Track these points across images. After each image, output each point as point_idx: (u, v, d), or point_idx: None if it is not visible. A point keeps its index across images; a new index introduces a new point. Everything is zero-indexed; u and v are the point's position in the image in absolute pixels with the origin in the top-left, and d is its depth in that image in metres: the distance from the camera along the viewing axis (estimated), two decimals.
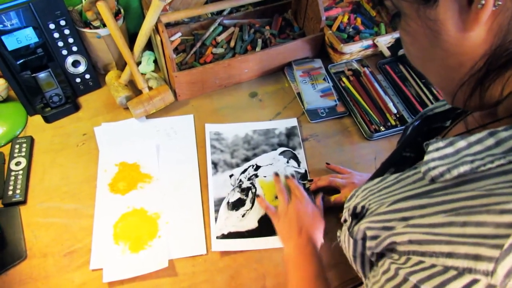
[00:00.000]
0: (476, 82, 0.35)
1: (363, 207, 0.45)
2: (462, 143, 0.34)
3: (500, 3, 0.29)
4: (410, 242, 0.34)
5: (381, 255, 0.40)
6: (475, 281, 0.28)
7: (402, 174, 0.44)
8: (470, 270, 0.28)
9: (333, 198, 0.76)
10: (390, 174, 0.48)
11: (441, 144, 0.36)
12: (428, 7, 0.33)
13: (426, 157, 0.36)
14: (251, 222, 0.75)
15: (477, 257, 0.28)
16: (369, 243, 0.41)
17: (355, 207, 0.47)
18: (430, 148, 0.36)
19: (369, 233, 0.41)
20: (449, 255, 0.30)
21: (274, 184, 0.80)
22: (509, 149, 0.31)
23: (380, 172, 0.55)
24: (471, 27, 0.31)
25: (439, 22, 0.33)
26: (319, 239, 0.68)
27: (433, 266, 0.31)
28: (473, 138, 0.34)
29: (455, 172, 0.33)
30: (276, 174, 0.81)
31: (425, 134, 0.54)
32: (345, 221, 0.49)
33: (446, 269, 0.30)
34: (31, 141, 0.84)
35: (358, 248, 0.44)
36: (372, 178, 0.51)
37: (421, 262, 0.32)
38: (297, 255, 0.64)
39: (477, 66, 0.34)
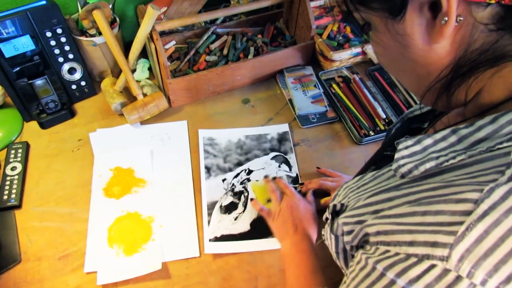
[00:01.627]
0: (442, 87, 0.38)
1: (342, 204, 0.47)
2: (428, 141, 0.37)
3: (461, 18, 0.32)
4: (378, 233, 0.36)
5: (357, 248, 0.42)
6: (432, 266, 0.29)
7: (378, 171, 0.47)
8: (428, 257, 0.30)
9: (323, 200, 0.78)
10: (370, 172, 0.50)
11: (409, 142, 0.38)
12: (395, 21, 0.35)
13: (397, 155, 0.38)
14: (243, 225, 0.77)
15: (434, 244, 0.30)
16: (346, 238, 0.43)
17: (335, 205, 0.49)
18: (400, 146, 0.38)
19: (346, 228, 0.43)
20: (411, 243, 0.31)
21: (266, 187, 0.81)
22: (470, 145, 0.34)
23: (362, 171, 0.57)
24: (436, 40, 0.34)
25: (406, 35, 0.36)
26: (314, 233, 0.70)
27: (396, 254, 0.33)
28: (438, 135, 0.36)
29: (422, 168, 0.35)
30: (266, 177, 0.83)
31: (404, 134, 0.56)
32: (327, 219, 0.51)
33: (408, 256, 0.31)
34: (26, 146, 0.85)
35: (339, 244, 0.46)
36: (355, 177, 0.53)
37: (387, 251, 0.34)
38: (294, 252, 0.66)
39: (443, 74, 0.37)
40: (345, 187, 0.51)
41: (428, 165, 0.35)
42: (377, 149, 0.59)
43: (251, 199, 0.79)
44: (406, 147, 0.38)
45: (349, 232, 0.42)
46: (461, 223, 0.29)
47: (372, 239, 0.37)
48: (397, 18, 0.35)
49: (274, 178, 0.82)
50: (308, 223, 0.71)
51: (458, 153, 0.34)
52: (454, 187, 0.31)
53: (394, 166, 0.38)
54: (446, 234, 0.29)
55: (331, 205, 0.50)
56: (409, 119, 0.57)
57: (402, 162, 0.37)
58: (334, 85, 1.02)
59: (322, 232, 0.53)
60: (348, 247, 0.44)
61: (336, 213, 0.49)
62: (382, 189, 0.41)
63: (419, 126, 0.56)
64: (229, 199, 0.80)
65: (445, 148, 0.35)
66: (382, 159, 0.55)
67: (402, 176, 0.37)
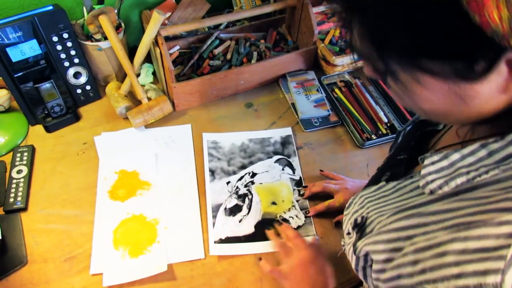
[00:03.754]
0: (488, 118, 0.35)
1: (362, 217, 0.46)
2: (455, 156, 0.36)
3: None
4: (423, 271, 0.34)
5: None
6: None
7: (400, 183, 0.45)
8: (480, 286, 0.29)
9: (327, 203, 0.79)
10: (386, 179, 0.48)
11: (435, 157, 0.37)
12: (460, 81, 0.31)
13: (423, 171, 0.37)
14: (248, 227, 0.77)
15: (485, 272, 0.28)
16: (375, 266, 0.41)
17: (356, 219, 0.47)
18: (426, 162, 0.38)
19: (378, 257, 0.40)
20: (459, 276, 0.30)
21: (270, 190, 0.82)
22: (501, 159, 0.33)
23: (376, 178, 0.56)
24: (510, 91, 0.31)
25: (473, 90, 0.32)
26: (331, 284, 0.65)
27: None
28: (466, 150, 0.35)
29: (452, 184, 0.35)
30: (268, 229, 0.76)
31: (417, 138, 0.56)
32: (349, 233, 0.49)
33: None
34: (32, 150, 0.86)
35: (360, 263, 0.45)
36: (369, 185, 0.52)
37: None
38: None
39: (495, 108, 0.34)
40: (361, 196, 0.50)
41: (459, 181, 0.34)
42: (380, 154, 0.58)
43: (260, 258, 0.72)
44: (433, 163, 0.37)
45: (387, 261, 0.39)
46: (508, 246, 0.28)
47: (413, 279, 0.35)
48: (469, 79, 0.31)
49: (278, 224, 0.77)
50: (325, 279, 0.64)
51: (490, 168, 0.33)
52: (492, 207, 0.30)
53: (422, 182, 0.37)
54: (495, 260, 0.28)
55: (351, 216, 0.48)
56: (421, 121, 0.56)
57: (430, 178, 0.37)
58: (336, 90, 1.03)
59: (342, 243, 0.52)
60: (374, 276, 0.42)
61: (356, 226, 0.47)
62: (408, 205, 0.40)
63: (433, 129, 0.55)
64: (234, 201, 0.81)
65: (474, 162, 0.35)
66: (396, 165, 0.54)
67: (431, 193, 0.37)
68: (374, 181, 0.55)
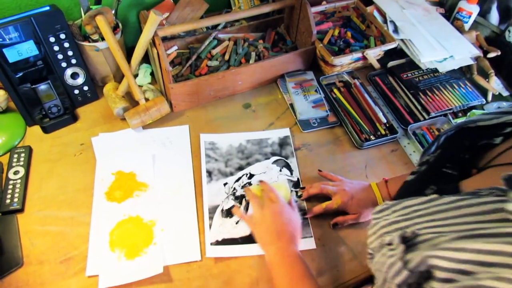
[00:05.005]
0: None
1: (413, 232, 0.40)
2: None
3: None
4: None
5: None
6: None
7: (460, 200, 0.39)
8: None
9: (324, 205, 0.78)
10: (433, 193, 0.43)
11: None
12: None
13: None
14: (244, 229, 0.77)
15: None
16: (436, 285, 0.34)
17: (404, 234, 0.41)
18: None
19: (440, 275, 0.34)
20: None
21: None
22: None
23: (417, 189, 0.49)
24: None
25: None
26: (299, 239, 0.69)
27: None
28: None
29: None
30: (244, 186, 0.83)
31: (471, 150, 0.50)
32: (390, 244, 0.42)
33: None
34: (29, 151, 0.86)
35: (410, 279, 0.37)
36: (407, 195, 0.46)
37: None
38: (281, 258, 0.65)
39: None
40: (405, 206, 0.44)
41: None
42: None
43: (232, 206, 0.77)
44: None
45: (445, 280, 0.34)
46: None
47: None
48: None
49: (260, 181, 0.82)
50: (293, 230, 0.69)
51: None
52: None
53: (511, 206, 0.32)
54: None
55: (383, 225, 0.44)
56: (467, 129, 0.50)
57: None
58: (335, 90, 1.03)
59: (369, 251, 0.46)
60: None
61: (404, 240, 0.40)
62: (482, 231, 0.34)
63: (488, 142, 0.48)
64: (231, 203, 0.81)
65: None
66: (441, 178, 0.48)
67: None
68: (415, 191, 0.47)
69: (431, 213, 0.40)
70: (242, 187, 0.83)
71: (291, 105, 1.00)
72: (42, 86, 0.86)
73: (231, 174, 0.85)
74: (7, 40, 0.79)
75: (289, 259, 0.64)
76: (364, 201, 0.76)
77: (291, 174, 0.86)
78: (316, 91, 1.01)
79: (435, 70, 1.05)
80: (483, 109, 1.01)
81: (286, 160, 0.89)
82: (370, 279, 0.68)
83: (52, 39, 0.84)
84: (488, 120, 0.48)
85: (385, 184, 0.76)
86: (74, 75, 0.92)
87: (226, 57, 1.03)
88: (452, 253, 0.34)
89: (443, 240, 0.35)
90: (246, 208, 0.80)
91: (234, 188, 0.83)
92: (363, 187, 0.78)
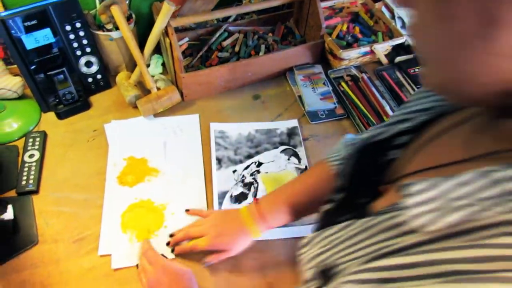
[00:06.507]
0: None
1: (332, 264, 0.39)
2: (447, 185, 0.29)
3: None
4: None
5: None
6: None
7: (370, 221, 0.37)
8: None
9: (191, 243, 0.71)
10: (350, 218, 0.41)
11: (420, 186, 0.30)
12: None
13: (408, 202, 0.31)
14: None
15: None
16: None
17: (321, 269, 0.40)
18: (410, 190, 0.31)
19: None
20: None
21: (276, 179, 0.83)
22: (507, 193, 0.26)
23: (337, 215, 0.45)
24: None
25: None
26: None
27: None
28: (462, 178, 0.29)
29: (445, 220, 0.28)
30: (252, 174, 0.79)
31: (377, 168, 0.46)
32: (313, 279, 0.41)
33: None
34: (44, 135, 0.88)
35: None
36: (329, 224, 0.43)
37: None
38: None
39: None
40: (325, 236, 0.42)
41: (452, 217, 0.28)
42: (345, 194, 0.46)
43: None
44: (418, 192, 0.30)
45: None
46: None
47: None
48: None
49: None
50: None
51: (493, 203, 0.27)
52: (505, 261, 0.24)
53: (407, 216, 0.30)
54: None
55: (307, 260, 0.42)
56: (371, 145, 0.47)
57: (415, 211, 0.30)
58: (343, 83, 1.04)
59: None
60: None
61: (323, 273, 0.40)
62: (385, 250, 0.32)
63: (385, 159, 0.45)
64: (239, 189, 0.82)
65: (471, 193, 0.28)
66: (356, 209, 0.44)
67: (416, 230, 0.30)
68: (328, 223, 0.44)
69: (347, 239, 0.39)
70: (251, 174, 0.85)
71: (299, 97, 1.01)
72: (58, 74, 0.89)
73: (240, 162, 0.87)
74: (25, 27, 0.81)
75: None
76: (234, 236, 0.69)
77: (299, 162, 0.88)
78: (324, 84, 1.02)
79: None
80: None
81: (294, 149, 0.90)
82: None
83: (68, 28, 0.87)
84: (385, 133, 0.47)
85: (256, 206, 0.69)
86: (88, 64, 0.94)
87: (236, 49, 1.05)
88: (355, 276, 0.33)
89: (355, 264, 0.35)
90: (255, 195, 0.82)
91: (243, 175, 0.85)
92: (232, 218, 0.71)
